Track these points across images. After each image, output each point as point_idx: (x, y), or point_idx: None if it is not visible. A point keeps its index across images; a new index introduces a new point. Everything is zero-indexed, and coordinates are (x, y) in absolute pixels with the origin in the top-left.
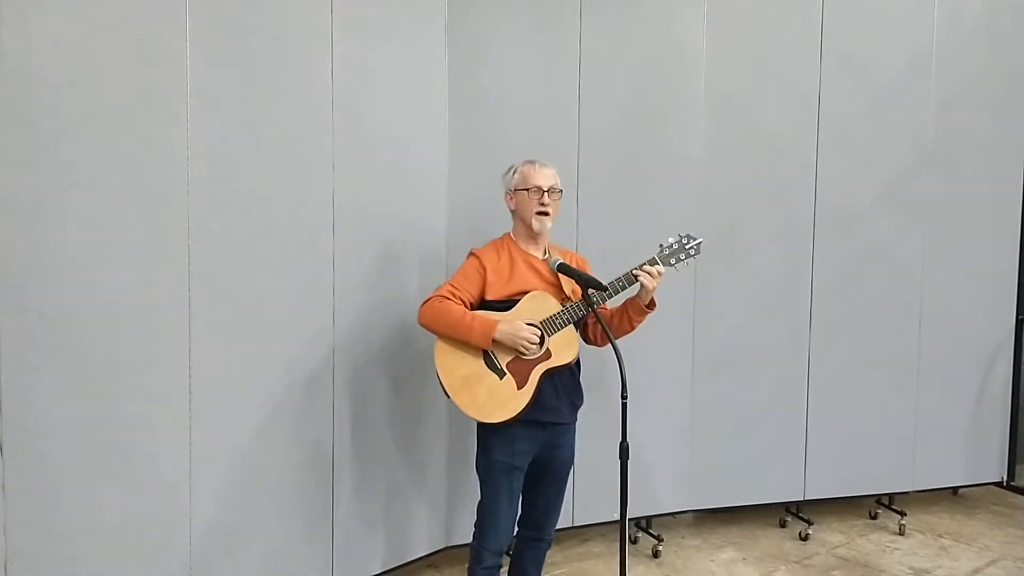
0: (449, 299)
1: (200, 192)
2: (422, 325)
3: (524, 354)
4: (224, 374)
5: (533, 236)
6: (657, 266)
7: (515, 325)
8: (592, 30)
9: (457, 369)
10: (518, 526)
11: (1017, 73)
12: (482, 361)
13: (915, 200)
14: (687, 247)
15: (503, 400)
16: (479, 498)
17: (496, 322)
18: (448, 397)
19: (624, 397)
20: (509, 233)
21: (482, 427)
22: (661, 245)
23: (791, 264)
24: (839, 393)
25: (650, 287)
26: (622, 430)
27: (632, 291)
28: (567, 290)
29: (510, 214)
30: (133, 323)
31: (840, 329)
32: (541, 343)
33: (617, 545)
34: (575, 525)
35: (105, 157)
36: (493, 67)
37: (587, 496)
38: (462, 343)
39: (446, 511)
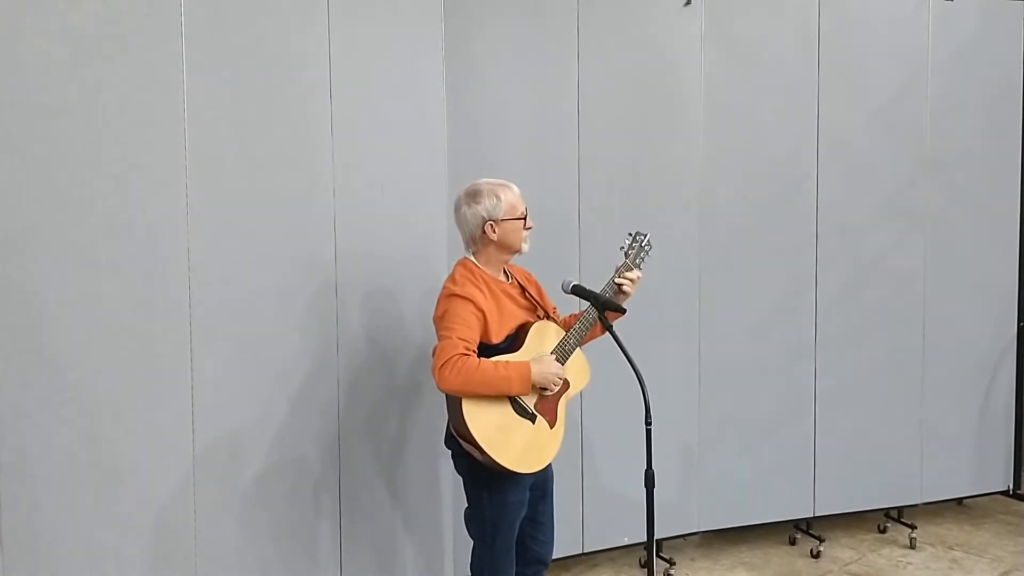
0: (468, 355)
1: (199, 220)
2: (448, 390)
3: (552, 390)
4: (227, 412)
5: (506, 262)
6: (633, 271)
7: (544, 362)
8: (589, 44)
9: (490, 426)
10: (523, 565)
11: (1012, 81)
12: (510, 409)
13: (915, 210)
14: (643, 245)
15: (542, 445)
16: (483, 545)
17: (528, 364)
18: (483, 455)
19: (648, 423)
20: (472, 262)
21: (489, 472)
22: (622, 249)
23: (794, 277)
24: (846, 406)
25: (631, 293)
26: (647, 458)
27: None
28: (540, 310)
29: (474, 243)
30: (133, 360)
31: (845, 341)
32: None
33: (626, 570)
34: (585, 551)
35: (100, 186)
36: (491, 82)
37: (596, 521)
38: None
39: (455, 542)
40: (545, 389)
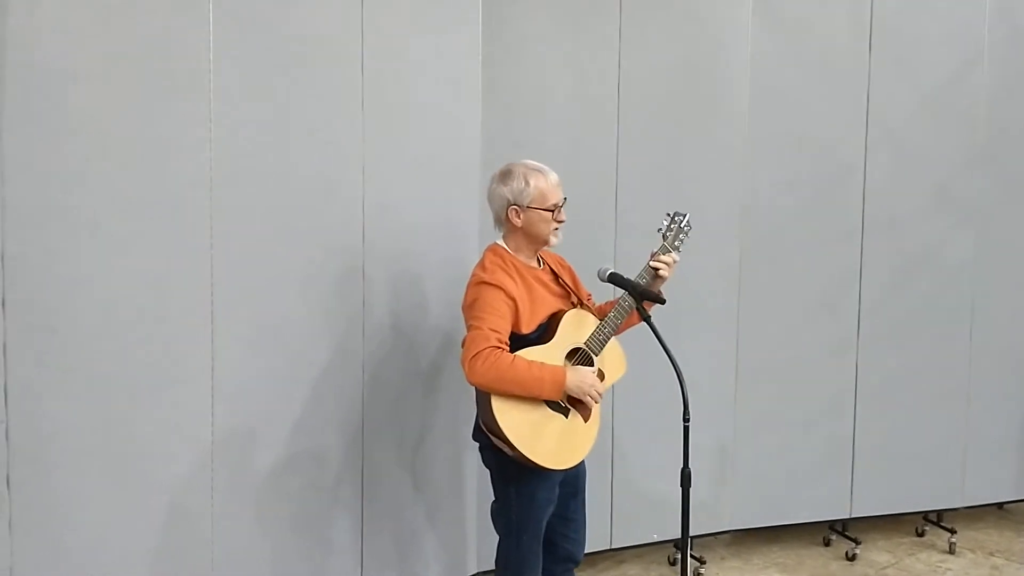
0: (501, 349)
1: (223, 196)
2: (477, 384)
3: (587, 403)
4: (249, 394)
5: (537, 251)
6: (671, 254)
7: (581, 374)
8: (633, 25)
9: (523, 422)
10: (552, 563)
11: None
12: (543, 403)
13: (966, 202)
14: (682, 225)
15: (576, 440)
16: (509, 540)
17: (564, 371)
18: (514, 451)
19: (686, 420)
20: (502, 247)
21: (517, 467)
22: (660, 230)
23: (838, 270)
24: (887, 405)
25: (668, 277)
26: (684, 455)
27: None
28: (573, 297)
29: (501, 225)
30: (151, 340)
31: (889, 337)
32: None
33: (655, 567)
34: (613, 547)
35: (119, 158)
36: (529, 63)
37: (625, 517)
38: None
39: (478, 535)
40: (579, 401)
